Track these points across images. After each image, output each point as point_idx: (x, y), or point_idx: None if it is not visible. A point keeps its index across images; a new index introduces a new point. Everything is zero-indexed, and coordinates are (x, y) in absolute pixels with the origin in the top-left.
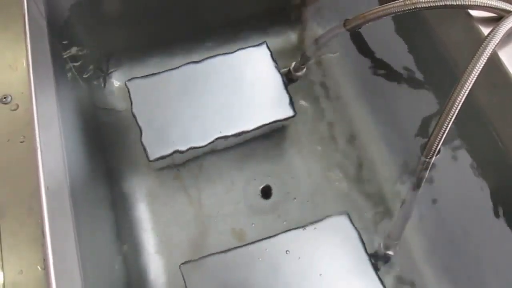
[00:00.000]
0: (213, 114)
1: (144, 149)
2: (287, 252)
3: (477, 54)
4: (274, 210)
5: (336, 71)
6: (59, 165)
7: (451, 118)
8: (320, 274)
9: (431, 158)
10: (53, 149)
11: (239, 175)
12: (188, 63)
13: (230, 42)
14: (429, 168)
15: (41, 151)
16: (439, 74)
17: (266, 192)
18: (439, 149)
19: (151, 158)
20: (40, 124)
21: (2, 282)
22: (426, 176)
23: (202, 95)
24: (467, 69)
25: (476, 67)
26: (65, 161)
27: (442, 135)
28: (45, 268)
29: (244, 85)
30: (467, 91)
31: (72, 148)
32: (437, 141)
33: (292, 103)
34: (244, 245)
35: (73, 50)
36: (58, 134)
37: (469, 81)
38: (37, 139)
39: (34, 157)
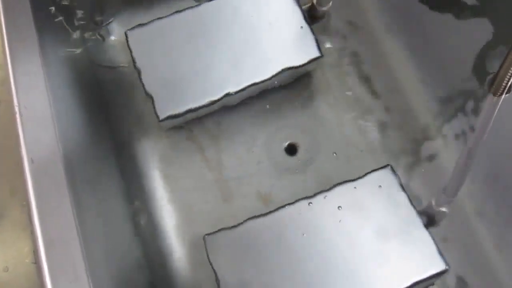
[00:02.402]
0: (227, 62)
1: (153, 108)
2: (325, 215)
3: None
4: (303, 168)
5: (366, 2)
6: (48, 132)
7: None
8: (366, 238)
9: (501, 95)
10: (37, 113)
11: (261, 131)
12: (196, 5)
13: None
14: (498, 107)
15: (20, 115)
16: None
17: (292, 148)
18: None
19: (161, 117)
20: (18, 83)
21: None
22: (494, 117)
23: (213, 40)
24: None
25: None
26: (55, 127)
27: None
28: (37, 262)
29: (261, 25)
30: None
31: (65, 111)
32: (510, 74)
33: (317, 43)
34: (274, 210)
35: None
36: (44, 95)
37: None
38: (15, 102)
39: (13, 124)
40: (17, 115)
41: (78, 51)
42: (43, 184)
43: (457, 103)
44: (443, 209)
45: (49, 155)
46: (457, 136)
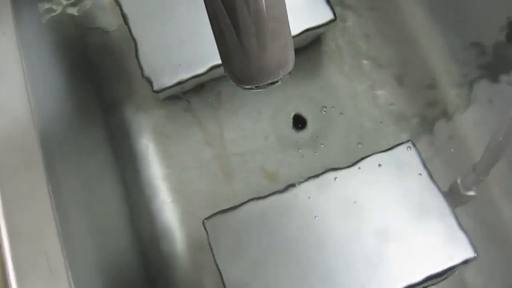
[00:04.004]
0: None
1: (147, 77)
2: (339, 195)
3: None
4: (313, 143)
5: None
6: (18, 102)
7: None
8: (384, 221)
9: None
10: (7, 80)
11: (266, 102)
12: None
13: None
14: None
15: None
16: None
17: (301, 121)
18: None
19: (156, 88)
20: None
21: None
22: None
23: None
24: None
25: None
26: (29, 95)
27: None
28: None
29: None
30: None
31: (43, 78)
32: None
33: (330, 3)
34: (282, 190)
35: None
36: (16, 59)
37: None
38: None
39: None
40: None
41: (59, 9)
42: (12, 162)
43: (485, 70)
44: (471, 193)
45: (20, 127)
46: (484, 108)
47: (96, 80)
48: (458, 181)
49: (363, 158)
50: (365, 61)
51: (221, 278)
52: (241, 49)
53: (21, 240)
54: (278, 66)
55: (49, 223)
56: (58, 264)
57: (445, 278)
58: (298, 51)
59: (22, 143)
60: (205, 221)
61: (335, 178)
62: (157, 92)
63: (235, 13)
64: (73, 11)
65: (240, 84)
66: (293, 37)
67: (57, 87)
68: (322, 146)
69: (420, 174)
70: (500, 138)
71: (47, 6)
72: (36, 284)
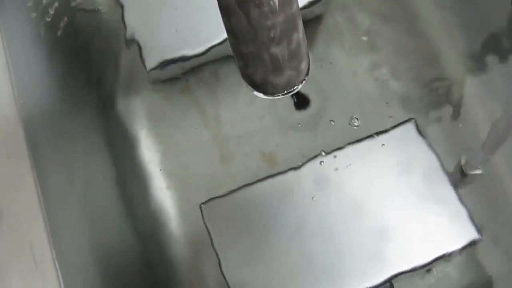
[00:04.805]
0: None
1: (140, 56)
2: (340, 177)
3: None
4: (313, 124)
5: None
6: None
7: None
8: (385, 203)
9: None
10: None
11: None
12: None
13: None
14: None
15: None
16: None
17: (300, 101)
18: None
19: (149, 67)
20: None
21: None
22: None
23: None
24: None
25: None
26: (12, 82)
27: None
28: None
29: None
30: None
31: (27, 61)
32: None
33: None
34: (281, 172)
35: None
36: None
37: None
38: None
39: None
40: None
41: None
42: None
43: (492, 46)
44: (477, 171)
45: (3, 115)
46: (489, 88)
47: (86, 62)
48: (462, 160)
49: (365, 138)
50: (365, 38)
51: (219, 263)
52: (269, 63)
53: (3, 230)
54: (299, 78)
55: (35, 212)
56: (44, 256)
57: (450, 261)
58: None
59: (5, 131)
60: (202, 205)
61: (335, 157)
62: (150, 71)
63: (264, 32)
64: None
65: (260, 92)
66: None
67: (42, 71)
68: (322, 126)
69: (424, 154)
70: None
71: None
72: (19, 276)
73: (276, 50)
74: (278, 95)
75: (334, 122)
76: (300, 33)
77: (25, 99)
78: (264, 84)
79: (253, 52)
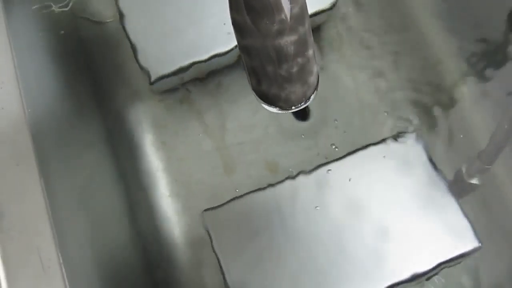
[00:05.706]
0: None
1: (142, 68)
2: (341, 185)
3: None
4: (314, 133)
5: None
6: (9, 97)
7: None
8: (387, 211)
9: None
10: None
11: None
12: None
13: None
14: None
15: None
16: None
17: (302, 111)
18: None
19: (153, 78)
20: None
21: None
22: None
23: None
24: None
25: None
26: (20, 90)
27: None
28: None
29: None
30: None
31: (35, 72)
32: None
33: None
34: (283, 180)
35: None
36: (6, 51)
37: None
38: None
39: None
40: None
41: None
42: (3, 157)
43: (490, 58)
44: (475, 181)
45: (12, 122)
46: (487, 97)
47: (91, 72)
48: (463, 169)
49: (365, 148)
50: (366, 50)
51: (221, 270)
52: (282, 79)
53: (12, 236)
54: (310, 92)
55: (42, 218)
56: (51, 261)
57: (451, 267)
58: None
59: (14, 138)
60: (205, 213)
61: (337, 168)
62: (154, 82)
63: (278, 50)
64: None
65: (272, 106)
66: None
67: (50, 80)
68: (323, 136)
69: (424, 163)
70: (506, 126)
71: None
72: (27, 282)
73: (290, 66)
74: (292, 109)
75: (335, 131)
76: (311, 50)
77: (33, 108)
78: (277, 100)
79: (267, 70)
